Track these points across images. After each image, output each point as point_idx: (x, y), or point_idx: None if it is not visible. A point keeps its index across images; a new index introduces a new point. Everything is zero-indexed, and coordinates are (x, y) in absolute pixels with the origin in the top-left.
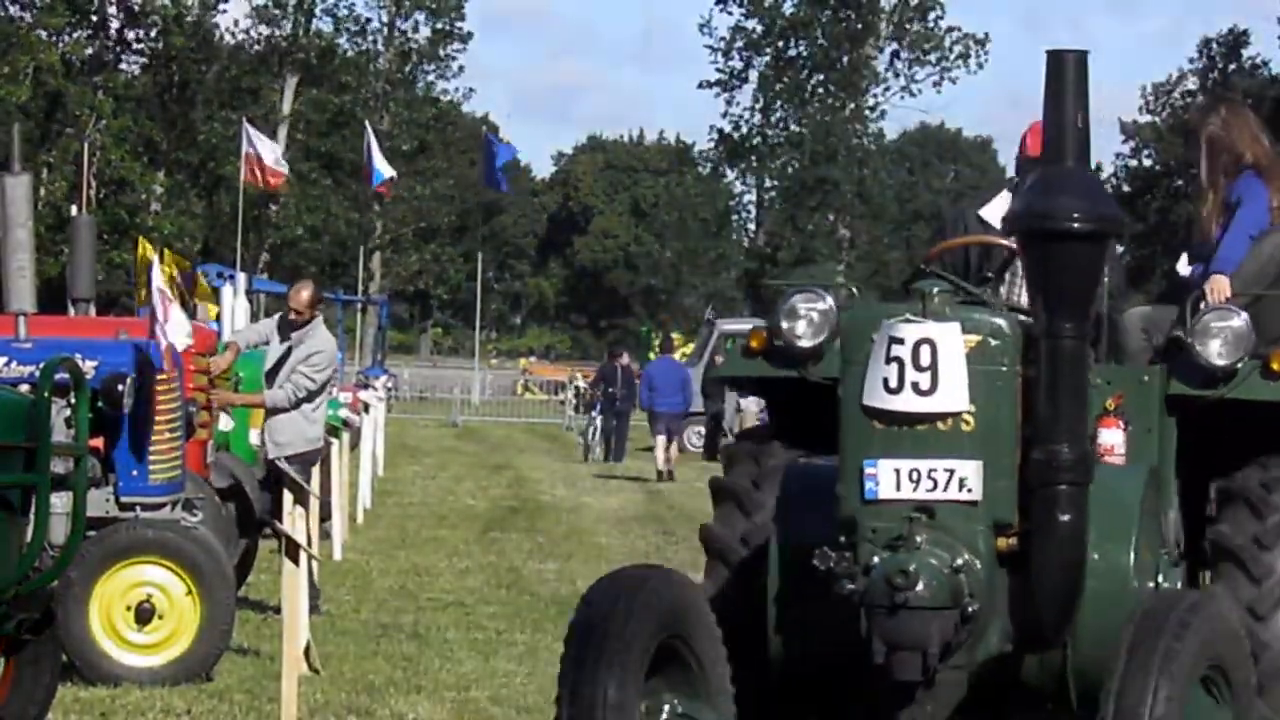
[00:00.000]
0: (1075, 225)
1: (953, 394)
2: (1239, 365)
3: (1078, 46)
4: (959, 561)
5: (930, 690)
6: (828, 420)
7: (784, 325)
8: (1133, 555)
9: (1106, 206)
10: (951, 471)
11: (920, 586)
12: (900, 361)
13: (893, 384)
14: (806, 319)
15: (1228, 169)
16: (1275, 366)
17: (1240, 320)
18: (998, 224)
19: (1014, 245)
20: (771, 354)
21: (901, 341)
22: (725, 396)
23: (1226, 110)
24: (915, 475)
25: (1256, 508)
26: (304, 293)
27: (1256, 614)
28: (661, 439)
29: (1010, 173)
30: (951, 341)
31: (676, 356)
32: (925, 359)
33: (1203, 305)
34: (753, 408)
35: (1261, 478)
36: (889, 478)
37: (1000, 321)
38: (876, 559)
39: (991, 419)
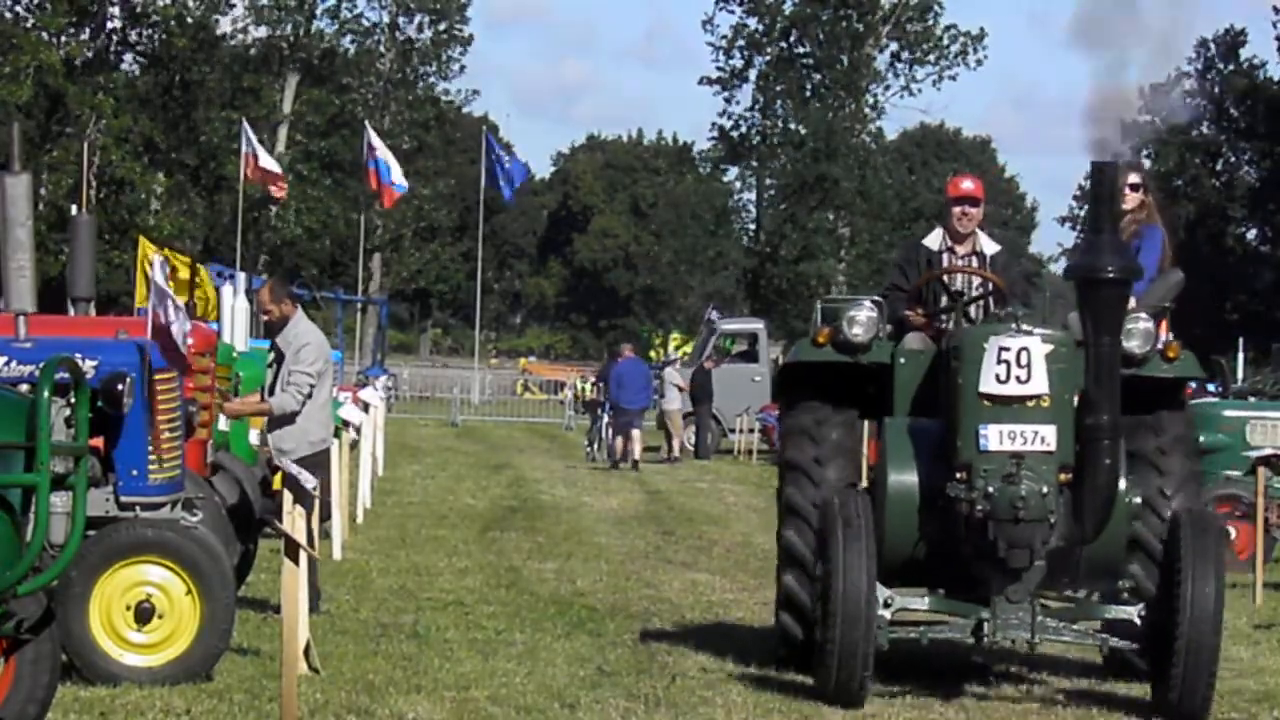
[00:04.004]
0: (1111, 274)
1: (1039, 383)
2: (1148, 353)
3: (1111, 159)
4: (1044, 490)
5: (1028, 572)
6: (875, 393)
7: (845, 327)
8: (1124, 483)
9: (1129, 260)
10: (1037, 432)
11: (1031, 506)
12: (1008, 362)
13: (1002, 376)
14: (860, 323)
15: (1138, 218)
16: (1170, 355)
17: (1149, 324)
18: (934, 247)
19: (986, 273)
20: (834, 346)
21: (1009, 349)
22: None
23: (1144, 175)
24: (1013, 434)
25: (1157, 466)
26: (263, 291)
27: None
28: (625, 432)
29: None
30: (1039, 348)
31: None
32: (1024, 360)
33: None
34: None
35: (1157, 443)
36: (995, 436)
37: (1065, 336)
38: (992, 489)
39: (1060, 398)
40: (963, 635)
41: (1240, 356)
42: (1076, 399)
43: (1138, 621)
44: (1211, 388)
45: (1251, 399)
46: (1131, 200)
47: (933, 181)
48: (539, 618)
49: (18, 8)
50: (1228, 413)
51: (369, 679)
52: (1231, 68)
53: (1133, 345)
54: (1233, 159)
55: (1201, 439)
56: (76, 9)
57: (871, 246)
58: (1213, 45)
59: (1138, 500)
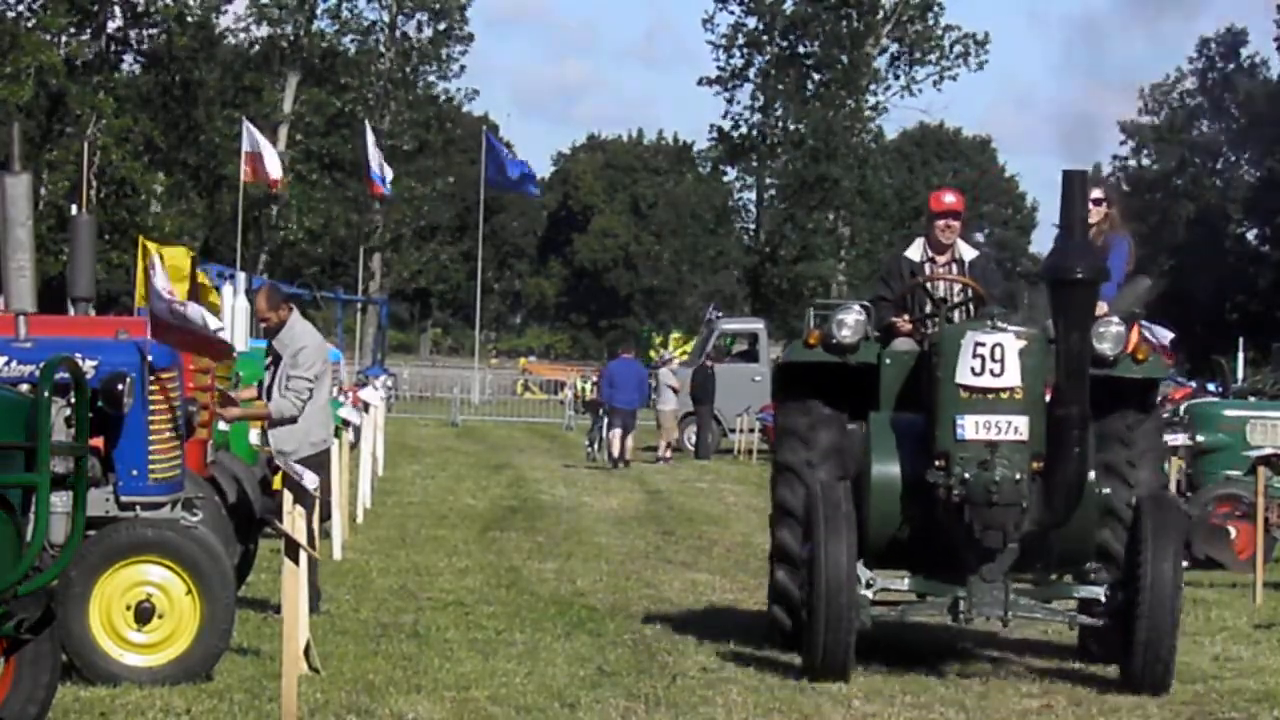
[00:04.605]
0: (1079, 275)
1: (1012, 376)
2: (1119, 355)
3: (1082, 166)
4: (1017, 477)
5: (1001, 553)
6: (863, 391)
7: (834, 329)
8: (1092, 472)
9: (1097, 262)
10: (1010, 422)
11: (1004, 491)
12: (983, 357)
13: (977, 370)
14: (849, 325)
15: (1103, 229)
16: (1140, 357)
17: (1120, 327)
18: (916, 258)
19: (966, 280)
20: (824, 347)
21: (984, 344)
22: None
23: (1107, 189)
24: (988, 424)
25: (1124, 441)
26: (260, 299)
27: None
28: (618, 432)
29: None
30: (1012, 344)
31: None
32: (998, 355)
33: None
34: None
35: (1126, 422)
36: (972, 426)
37: (1037, 333)
38: (968, 475)
39: (1032, 391)
40: (940, 614)
41: (1240, 356)
42: (1048, 393)
43: (1104, 600)
44: (1211, 387)
45: (1251, 399)
46: (1095, 214)
47: (932, 181)
48: (539, 618)
49: (19, 8)
50: (1228, 413)
51: (369, 679)
52: (1232, 67)
53: (1104, 348)
54: (1233, 159)
55: (1201, 439)
56: (77, 9)
57: (871, 246)
58: (1213, 44)
59: (1107, 490)
